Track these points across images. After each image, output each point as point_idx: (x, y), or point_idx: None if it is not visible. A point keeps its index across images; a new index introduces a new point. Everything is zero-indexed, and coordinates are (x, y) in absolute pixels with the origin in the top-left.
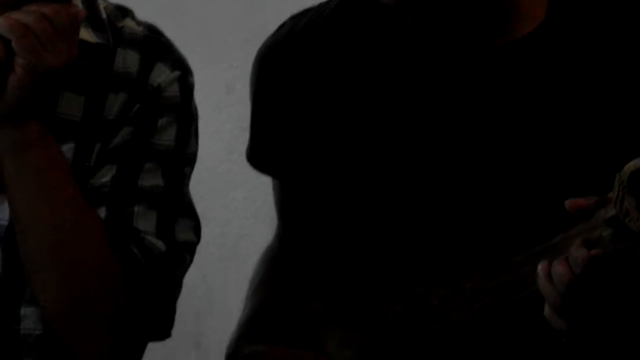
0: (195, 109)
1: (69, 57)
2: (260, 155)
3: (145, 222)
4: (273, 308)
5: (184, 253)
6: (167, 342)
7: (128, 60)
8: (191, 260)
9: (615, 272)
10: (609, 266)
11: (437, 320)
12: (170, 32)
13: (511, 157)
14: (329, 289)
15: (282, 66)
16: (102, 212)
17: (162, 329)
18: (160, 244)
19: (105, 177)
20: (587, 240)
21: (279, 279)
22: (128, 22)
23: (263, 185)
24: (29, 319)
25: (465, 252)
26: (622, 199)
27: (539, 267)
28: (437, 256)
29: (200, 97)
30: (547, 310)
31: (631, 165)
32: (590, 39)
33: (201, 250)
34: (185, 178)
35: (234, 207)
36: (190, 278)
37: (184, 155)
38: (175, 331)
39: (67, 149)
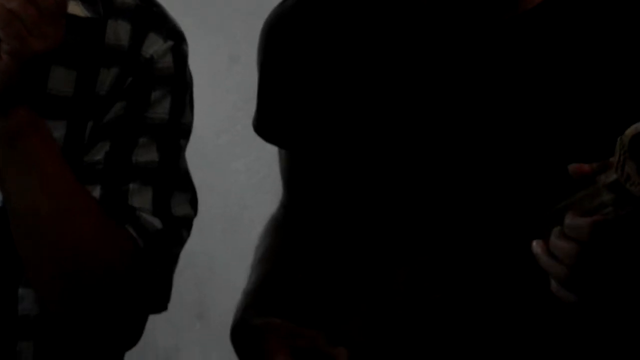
0: (190, 77)
1: (55, 41)
2: (267, 124)
3: (141, 199)
4: (280, 278)
5: (180, 229)
6: (170, 313)
7: (119, 31)
8: (188, 235)
9: (619, 238)
10: (613, 232)
11: (440, 290)
12: (174, 2)
13: (516, 127)
14: (335, 259)
15: (290, 35)
16: (97, 191)
17: (160, 302)
18: (156, 222)
19: (99, 154)
20: (589, 204)
21: (285, 248)
22: None
23: (265, 157)
24: (27, 299)
25: (468, 221)
26: (623, 164)
27: (534, 246)
28: (442, 226)
29: (203, 67)
30: (553, 285)
31: (632, 129)
32: (597, 11)
33: (203, 221)
34: (180, 150)
35: (236, 179)
36: (192, 249)
37: (178, 127)
38: (177, 303)
39: (59, 126)
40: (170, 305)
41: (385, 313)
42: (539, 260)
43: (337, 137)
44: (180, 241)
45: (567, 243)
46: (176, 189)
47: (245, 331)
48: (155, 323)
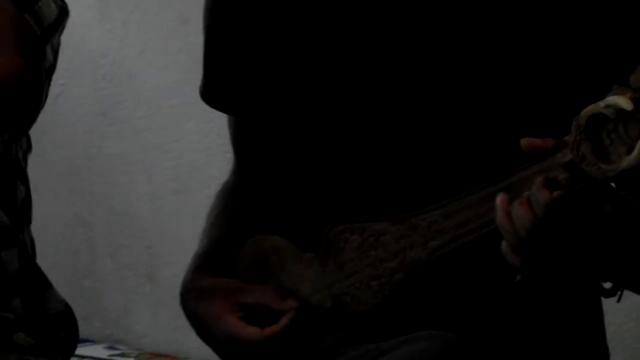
0: None
1: None
2: (214, 91)
3: None
4: (230, 242)
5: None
6: (119, 275)
7: None
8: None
9: (573, 214)
10: (567, 208)
11: (393, 258)
12: None
13: (469, 93)
14: (286, 224)
15: None
16: None
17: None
18: None
19: None
20: (548, 180)
21: (236, 213)
22: None
23: (216, 119)
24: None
25: (422, 189)
26: (579, 144)
27: (497, 200)
28: (394, 193)
29: (154, 28)
30: (504, 245)
31: (589, 109)
32: None
33: (154, 182)
34: None
35: (188, 140)
36: (143, 210)
37: None
38: (127, 264)
39: None
40: (120, 267)
41: (335, 281)
42: (497, 215)
43: (286, 100)
44: None
45: (525, 212)
46: None
47: (192, 293)
48: (105, 284)
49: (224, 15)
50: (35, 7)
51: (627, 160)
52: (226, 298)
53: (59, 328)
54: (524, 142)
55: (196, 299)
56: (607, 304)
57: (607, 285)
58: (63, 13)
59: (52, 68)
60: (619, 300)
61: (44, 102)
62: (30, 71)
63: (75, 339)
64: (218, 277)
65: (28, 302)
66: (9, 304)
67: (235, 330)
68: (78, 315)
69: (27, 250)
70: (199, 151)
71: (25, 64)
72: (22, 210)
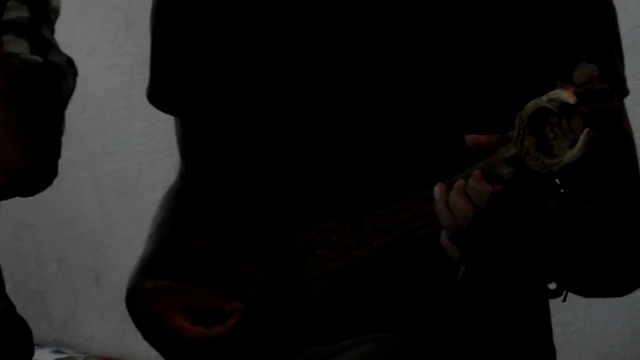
0: None
1: None
2: (161, 93)
3: (17, 47)
4: (176, 244)
5: (62, 66)
6: (66, 278)
7: None
8: (75, 75)
9: (515, 208)
10: (509, 202)
11: (338, 257)
12: None
13: (412, 91)
14: (232, 226)
15: (181, 2)
16: None
17: (52, 155)
18: (36, 58)
19: None
20: (488, 175)
21: (183, 216)
22: None
23: (162, 122)
24: None
25: (367, 188)
26: (522, 139)
27: (436, 189)
28: (340, 192)
29: (99, 31)
30: (443, 236)
31: (532, 104)
32: None
33: (100, 185)
34: (50, 21)
35: (134, 143)
36: (90, 213)
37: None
38: (74, 266)
39: None
40: (67, 270)
41: (282, 281)
42: (436, 206)
43: (231, 103)
44: (66, 77)
45: (465, 203)
46: (52, 48)
47: (138, 295)
48: (50, 288)
49: (170, 18)
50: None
51: (571, 154)
52: (172, 300)
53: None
54: (469, 138)
55: (142, 300)
56: (555, 304)
57: (552, 286)
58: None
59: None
60: (564, 300)
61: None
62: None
63: (27, 345)
64: (164, 280)
65: None
66: None
67: (180, 331)
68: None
69: None
70: (145, 154)
71: (33, 160)
72: None
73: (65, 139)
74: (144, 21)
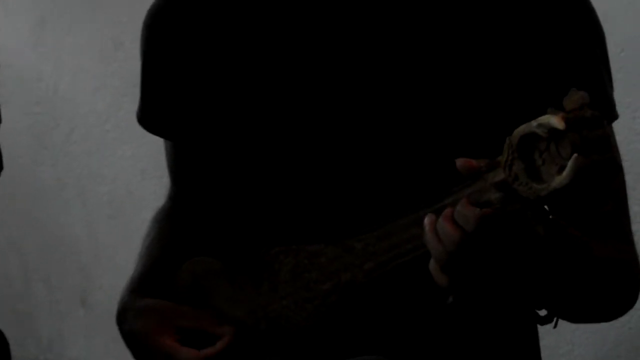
0: None
1: None
2: (151, 116)
3: None
4: (166, 265)
5: None
6: (54, 297)
7: None
8: None
9: (503, 233)
10: (497, 226)
11: (327, 280)
12: None
13: (399, 115)
14: (221, 247)
15: (171, 26)
16: None
17: None
18: None
19: None
20: (476, 200)
21: (172, 236)
22: None
23: (150, 143)
24: None
25: (357, 211)
26: (511, 164)
27: (425, 220)
28: (330, 216)
29: (87, 52)
30: (432, 264)
31: (521, 129)
32: None
33: (89, 207)
34: None
35: (122, 165)
36: (77, 234)
37: None
38: (61, 287)
39: None
40: (54, 291)
41: (270, 303)
42: (425, 235)
43: (221, 126)
44: None
45: (453, 228)
46: None
47: (129, 312)
48: (37, 309)
49: (161, 41)
50: None
51: (559, 180)
52: (163, 319)
53: None
54: (459, 162)
55: (133, 318)
56: (543, 327)
57: (543, 312)
58: None
59: None
60: (555, 327)
61: None
62: None
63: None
64: (155, 299)
65: None
66: None
67: (170, 351)
68: (11, 340)
69: None
70: (133, 175)
71: None
72: None
73: (53, 160)
74: (133, 42)
